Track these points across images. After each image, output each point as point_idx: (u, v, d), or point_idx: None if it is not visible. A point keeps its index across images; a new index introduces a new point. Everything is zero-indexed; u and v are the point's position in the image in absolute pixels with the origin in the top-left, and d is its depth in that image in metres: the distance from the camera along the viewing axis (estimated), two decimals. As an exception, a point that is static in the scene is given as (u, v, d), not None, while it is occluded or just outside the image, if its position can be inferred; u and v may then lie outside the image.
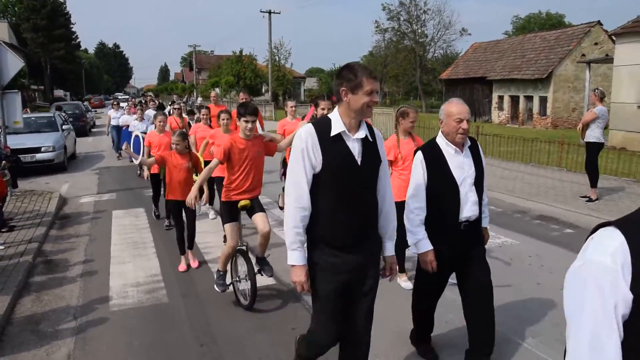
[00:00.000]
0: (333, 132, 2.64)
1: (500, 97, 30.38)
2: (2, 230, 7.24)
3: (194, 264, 5.94)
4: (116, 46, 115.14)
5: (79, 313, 4.79)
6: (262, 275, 4.79)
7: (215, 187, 7.21)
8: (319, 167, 2.63)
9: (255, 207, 4.77)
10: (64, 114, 18.22)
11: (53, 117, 15.76)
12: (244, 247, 4.83)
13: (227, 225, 4.69)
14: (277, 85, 45.82)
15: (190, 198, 4.62)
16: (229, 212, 4.69)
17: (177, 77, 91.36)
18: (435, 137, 3.47)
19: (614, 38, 17.25)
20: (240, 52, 47.01)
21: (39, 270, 5.98)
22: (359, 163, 2.67)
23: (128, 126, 13.80)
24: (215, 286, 4.87)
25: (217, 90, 11.16)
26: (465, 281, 3.52)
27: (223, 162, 4.58)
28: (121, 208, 9.11)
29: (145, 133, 9.41)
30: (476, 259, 3.48)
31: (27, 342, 4.24)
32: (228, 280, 4.93)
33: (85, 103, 35.91)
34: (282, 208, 7.53)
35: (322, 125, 2.70)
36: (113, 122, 16.02)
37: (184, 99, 12.16)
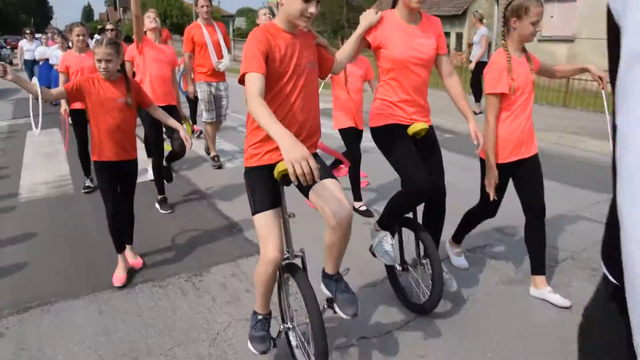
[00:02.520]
0: None
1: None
2: None
3: (137, 262, 3.72)
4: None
5: (-14, 205, 5.20)
6: (335, 312, 2.40)
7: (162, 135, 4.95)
8: None
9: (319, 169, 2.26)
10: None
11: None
12: (296, 259, 2.46)
13: (258, 218, 2.28)
14: (206, 23, 44.55)
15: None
16: (261, 189, 2.31)
17: (102, 17, 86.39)
18: None
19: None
20: (167, -12, 45.21)
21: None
22: None
23: (47, 60, 10.85)
24: (249, 344, 2.45)
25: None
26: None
27: (264, 73, 2.12)
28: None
29: None
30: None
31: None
32: (274, 330, 2.58)
33: (0, 40, 33.71)
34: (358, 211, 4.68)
35: None
36: (27, 56, 13.93)
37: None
